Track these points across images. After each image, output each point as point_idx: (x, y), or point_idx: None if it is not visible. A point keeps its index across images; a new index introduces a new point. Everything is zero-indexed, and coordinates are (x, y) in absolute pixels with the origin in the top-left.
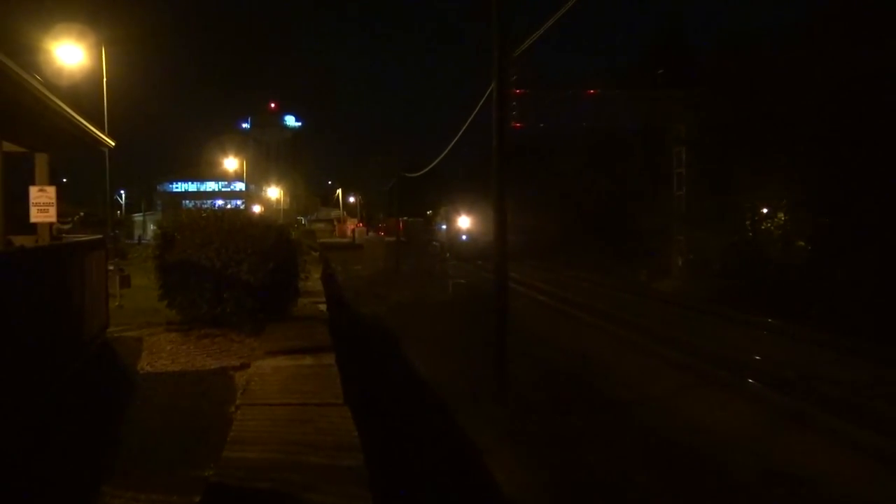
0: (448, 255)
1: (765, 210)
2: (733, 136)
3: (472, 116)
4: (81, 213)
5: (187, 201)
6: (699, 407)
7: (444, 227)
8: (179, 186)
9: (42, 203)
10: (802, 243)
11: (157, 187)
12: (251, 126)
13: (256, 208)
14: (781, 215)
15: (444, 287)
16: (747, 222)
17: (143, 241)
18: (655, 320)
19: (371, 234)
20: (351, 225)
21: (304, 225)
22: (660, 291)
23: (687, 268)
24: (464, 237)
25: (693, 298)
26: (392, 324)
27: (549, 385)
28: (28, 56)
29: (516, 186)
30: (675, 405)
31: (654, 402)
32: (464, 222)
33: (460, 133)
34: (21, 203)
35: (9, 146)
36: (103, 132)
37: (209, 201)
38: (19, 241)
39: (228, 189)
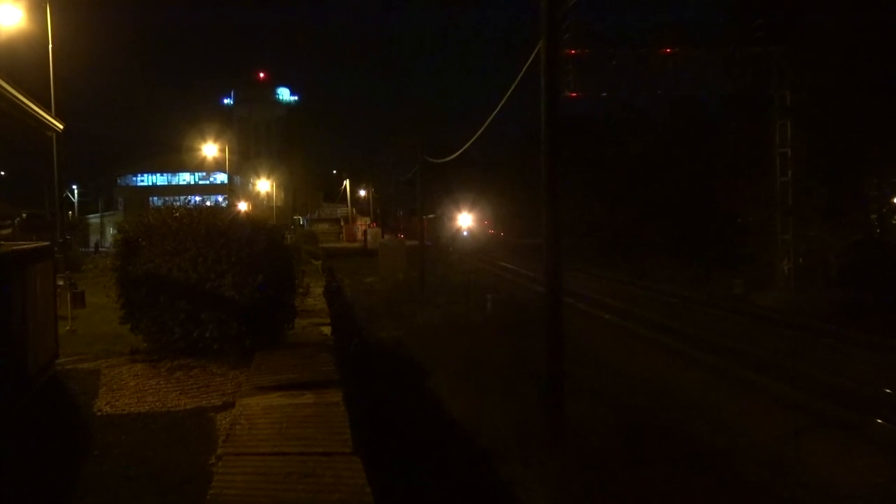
0: (451, 249)
1: None
2: (856, 105)
3: (514, 84)
4: (24, 215)
5: (156, 198)
6: (819, 459)
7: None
8: (146, 179)
9: None
10: None
11: (119, 181)
12: (235, 102)
13: (242, 206)
14: None
15: (480, 303)
16: (874, 216)
17: (101, 249)
18: (756, 344)
19: (387, 236)
20: (362, 225)
21: (303, 226)
22: (760, 306)
23: (795, 275)
24: (465, 233)
25: (804, 315)
26: (417, 351)
27: (619, 429)
28: None
29: (572, 174)
30: (787, 456)
31: (758, 452)
32: (464, 220)
33: (500, 105)
34: None
35: None
36: (49, 113)
37: (183, 198)
38: None
39: (207, 182)
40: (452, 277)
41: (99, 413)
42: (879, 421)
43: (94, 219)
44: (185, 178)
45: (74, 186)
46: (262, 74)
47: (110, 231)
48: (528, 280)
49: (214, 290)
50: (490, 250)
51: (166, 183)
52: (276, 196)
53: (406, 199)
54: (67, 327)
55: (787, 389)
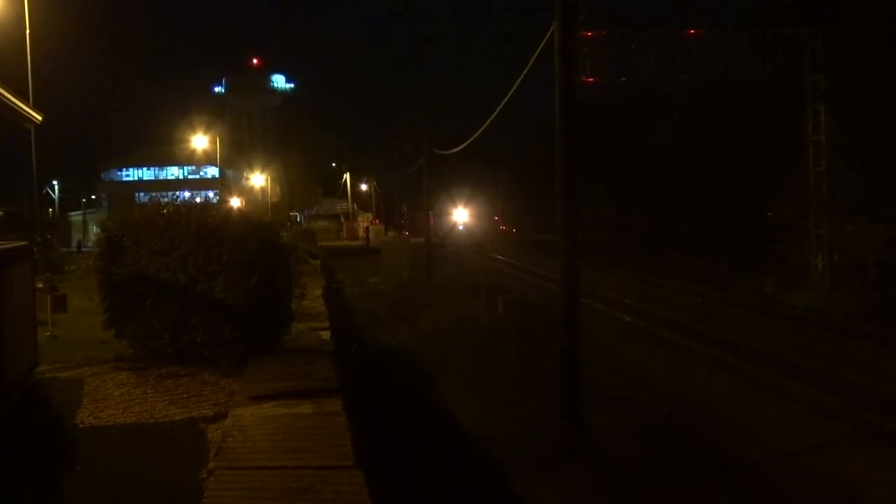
0: (447, 242)
1: None
2: None
3: (527, 68)
4: (0, 213)
5: (142, 194)
6: (859, 471)
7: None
8: (132, 174)
9: None
10: None
11: (103, 176)
12: (227, 90)
13: (235, 202)
14: None
15: (492, 304)
16: None
17: (83, 249)
18: (788, 347)
19: (391, 233)
20: (363, 222)
21: (301, 223)
22: (793, 306)
23: (830, 273)
24: (460, 227)
25: (839, 316)
26: (423, 357)
27: (640, 438)
28: None
29: (589, 165)
30: (823, 468)
31: (791, 464)
32: (460, 214)
33: (512, 90)
34: None
35: None
36: (27, 103)
37: (171, 193)
38: None
39: (197, 177)
40: (462, 277)
41: (82, 425)
42: None
43: (76, 217)
44: (173, 172)
45: (55, 183)
46: (255, 60)
47: (93, 230)
48: (543, 279)
49: (205, 292)
50: (485, 245)
51: (153, 178)
52: (272, 191)
53: (411, 193)
54: (48, 333)
55: (823, 396)
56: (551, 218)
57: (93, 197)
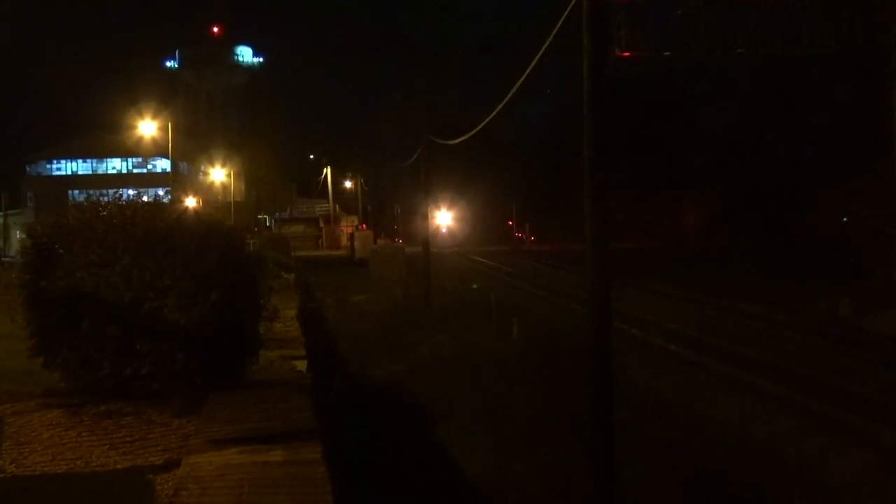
0: (452, 251)
1: None
2: None
3: (548, 41)
4: None
5: (77, 192)
6: None
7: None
8: (64, 167)
9: None
10: None
11: (28, 170)
12: (181, 64)
13: (191, 202)
14: None
15: (505, 329)
16: None
17: (5, 259)
18: (868, 383)
19: (381, 241)
20: (347, 227)
21: (271, 228)
22: (875, 332)
23: None
24: (443, 230)
25: None
26: (421, 393)
27: (687, 495)
28: None
29: (622, 158)
30: None
31: None
32: (443, 217)
33: (530, 68)
34: None
35: None
36: None
37: (113, 191)
38: None
39: (144, 171)
40: (468, 296)
41: (1, 475)
42: None
43: None
44: (115, 165)
45: None
46: (216, 29)
47: (17, 235)
48: (566, 298)
49: (154, 312)
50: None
51: (90, 172)
52: (235, 188)
53: (406, 192)
54: None
55: None
56: (579, 222)
57: (15, 195)
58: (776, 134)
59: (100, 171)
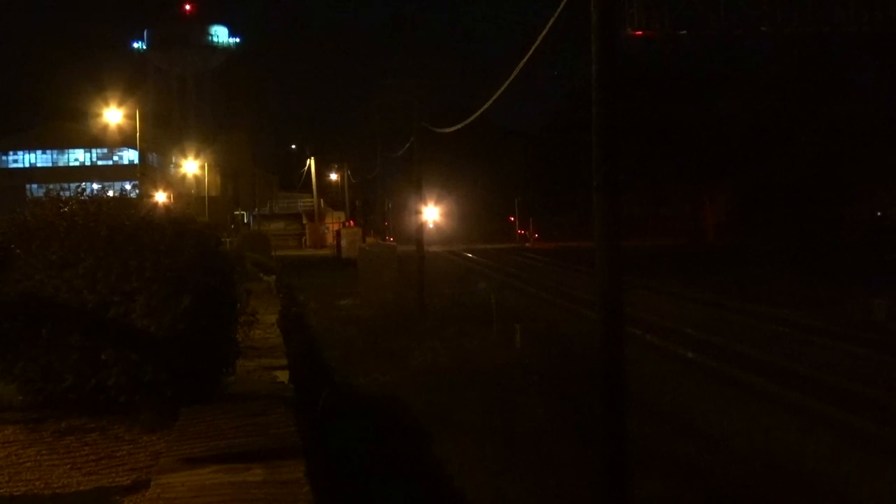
0: (445, 249)
1: None
2: None
3: (553, 19)
4: None
5: (35, 186)
6: None
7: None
8: (21, 159)
9: None
10: None
11: None
12: (150, 46)
13: (161, 196)
14: None
15: (506, 335)
16: None
17: None
18: None
19: (371, 239)
20: (333, 224)
21: (249, 225)
22: None
23: None
24: (430, 226)
25: None
26: (415, 406)
27: None
28: None
29: (635, 146)
30: None
31: None
32: (430, 213)
33: (534, 47)
34: None
35: None
36: None
37: (75, 185)
38: None
39: (110, 163)
40: (466, 299)
41: None
42: None
43: None
44: (77, 156)
45: None
46: (188, 7)
47: None
48: (574, 302)
49: (121, 318)
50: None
51: (50, 164)
52: (210, 182)
53: (397, 186)
54: None
55: None
56: (580, 216)
57: None
58: (802, 121)
59: (61, 164)
